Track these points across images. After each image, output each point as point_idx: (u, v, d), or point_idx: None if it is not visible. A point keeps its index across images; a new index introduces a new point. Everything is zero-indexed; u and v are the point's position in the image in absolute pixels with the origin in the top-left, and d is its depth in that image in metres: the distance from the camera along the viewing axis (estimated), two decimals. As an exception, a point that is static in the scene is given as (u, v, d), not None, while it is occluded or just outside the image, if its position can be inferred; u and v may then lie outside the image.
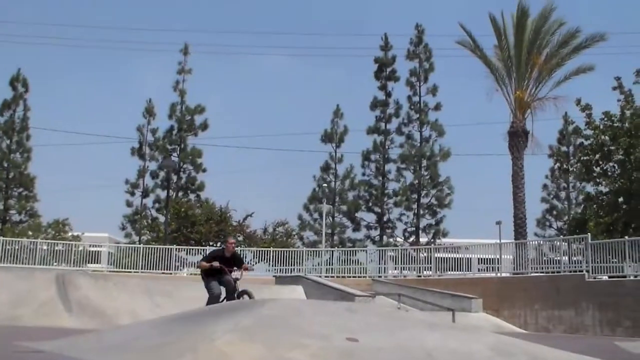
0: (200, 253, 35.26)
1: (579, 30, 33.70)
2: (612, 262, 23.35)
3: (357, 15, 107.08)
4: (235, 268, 12.78)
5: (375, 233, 43.82)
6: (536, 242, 31.65)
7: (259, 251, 34.66)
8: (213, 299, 12.43)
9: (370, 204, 44.06)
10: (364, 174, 44.65)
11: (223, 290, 12.77)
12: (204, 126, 45.53)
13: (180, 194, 44.52)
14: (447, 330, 9.57)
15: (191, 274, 33.66)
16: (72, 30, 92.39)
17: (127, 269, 31.44)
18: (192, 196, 44.61)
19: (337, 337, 7.84)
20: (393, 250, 34.14)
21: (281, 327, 7.91)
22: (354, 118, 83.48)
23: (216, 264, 12.29)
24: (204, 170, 45.17)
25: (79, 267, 31.28)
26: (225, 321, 8.08)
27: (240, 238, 41.33)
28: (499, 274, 27.98)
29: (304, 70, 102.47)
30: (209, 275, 12.63)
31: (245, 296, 12.30)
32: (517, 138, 33.85)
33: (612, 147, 30.59)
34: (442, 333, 8.92)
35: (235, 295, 12.33)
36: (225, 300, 12.36)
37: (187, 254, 35.30)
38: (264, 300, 9.48)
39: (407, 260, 31.74)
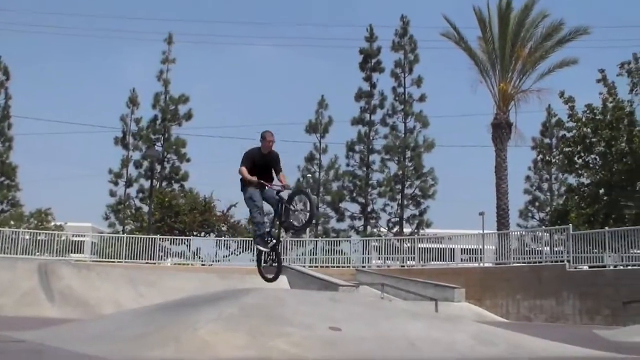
0: (184, 243, 35.30)
1: (563, 23, 33.91)
2: (593, 253, 23.62)
3: (344, 5, 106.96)
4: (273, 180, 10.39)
5: (359, 223, 43.94)
6: (518, 233, 31.89)
7: (243, 241, 34.66)
8: (255, 210, 10.29)
9: (355, 195, 44.14)
10: (348, 165, 44.70)
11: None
12: (188, 116, 45.32)
13: (164, 183, 44.34)
14: (430, 320, 9.67)
15: (175, 264, 33.66)
16: (55, 17, 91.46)
17: (111, 258, 31.33)
18: (176, 186, 44.42)
19: (320, 327, 7.89)
20: (377, 240, 34.26)
21: (264, 316, 7.95)
22: (339, 109, 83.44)
23: (251, 178, 10.03)
24: (188, 160, 45.04)
25: (62, 257, 31.12)
26: (208, 311, 8.10)
27: (224, 228, 41.30)
28: (481, 264, 28.20)
29: (290, 61, 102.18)
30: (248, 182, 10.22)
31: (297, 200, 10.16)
32: (501, 130, 34.02)
33: (594, 139, 30.84)
34: (425, 323, 9.02)
35: (281, 208, 10.15)
36: (273, 218, 10.46)
37: (170, 243, 35.25)
38: (248, 289, 9.51)
39: (391, 250, 31.86)
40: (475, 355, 8.04)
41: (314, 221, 10.65)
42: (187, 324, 7.72)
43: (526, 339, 9.25)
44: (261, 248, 10.47)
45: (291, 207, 10.05)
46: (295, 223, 10.03)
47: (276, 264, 10.60)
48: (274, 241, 10.45)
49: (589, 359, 8.65)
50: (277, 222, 10.39)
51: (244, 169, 10.11)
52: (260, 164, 10.21)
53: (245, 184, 10.19)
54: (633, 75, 30.97)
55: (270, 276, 10.66)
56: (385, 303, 10.84)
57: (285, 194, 10.27)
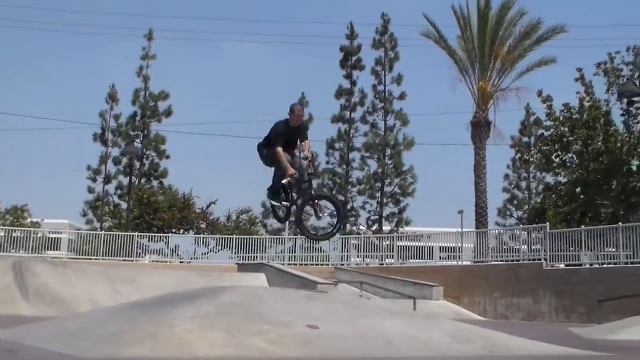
0: (163, 240, 35.10)
1: (541, 22, 34.24)
2: (570, 251, 23.83)
3: (325, 3, 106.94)
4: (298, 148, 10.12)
5: (338, 221, 43.92)
6: (497, 231, 32.11)
7: (222, 238, 34.57)
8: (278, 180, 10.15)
9: (334, 192, 44.17)
10: (328, 162, 44.72)
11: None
12: (168, 112, 45.06)
13: (143, 180, 44.08)
14: (408, 318, 9.69)
15: (153, 261, 33.49)
16: (32, 12, 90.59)
17: (88, 256, 31.09)
18: (155, 183, 44.16)
19: (297, 325, 7.87)
20: (356, 238, 34.33)
21: (242, 314, 7.92)
22: (319, 106, 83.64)
23: (293, 172, 9.70)
24: (168, 157, 44.75)
25: (38, 254, 30.83)
26: (185, 308, 8.05)
27: (203, 225, 41.15)
28: (460, 263, 28.35)
29: (271, 58, 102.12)
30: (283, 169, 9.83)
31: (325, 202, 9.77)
32: (480, 128, 34.24)
33: (571, 138, 31.09)
34: (402, 321, 9.03)
35: (313, 195, 9.82)
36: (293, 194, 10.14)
37: (149, 241, 35.06)
38: (225, 287, 9.48)
39: (370, 248, 31.95)
40: (452, 353, 8.07)
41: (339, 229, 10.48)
42: (164, 321, 7.67)
43: (503, 337, 9.29)
44: (272, 202, 10.69)
45: (316, 207, 9.82)
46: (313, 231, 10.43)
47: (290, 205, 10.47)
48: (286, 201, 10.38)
49: (564, 357, 8.71)
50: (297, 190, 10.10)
51: (280, 152, 9.70)
52: (288, 137, 9.90)
53: (275, 161, 9.88)
54: (609, 75, 31.30)
55: (281, 214, 10.75)
56: (363, 301, 10.86)
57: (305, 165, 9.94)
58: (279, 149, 9.66)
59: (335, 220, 9.59)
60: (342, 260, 31.74)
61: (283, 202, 10.19)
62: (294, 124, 9.87)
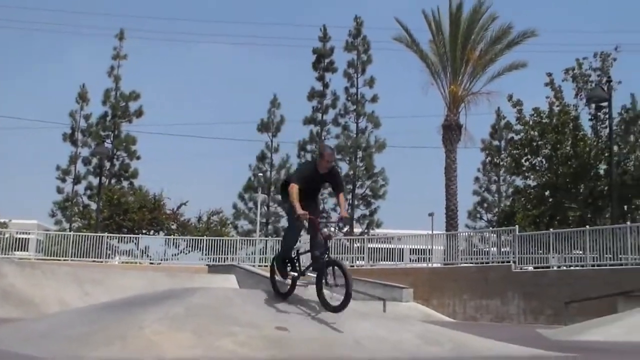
0: (133, 241, 34.85)
1: (512, 27, 34.62)
2: (538, 254, 24.10)
3: (299, 5, 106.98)
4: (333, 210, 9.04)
5: (309, 223, 44.04)
6: (467, 234, 32.35)
7: (192, 240, 34.42)
8: (293, 232, 9.04)
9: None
10: (299, 164, 44.74)
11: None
12: (139, 113, 44.79)
13: (113, 181, 43.75)
14: (377, 320, 9.76)
15: (123, 262, 33.22)
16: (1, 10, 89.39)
17: (57, 256, 30.74)
18: (125, 183, 43.87)
19: (267, 327, 7.91)
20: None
21: (211, 316, 7.93)
22: (291, 108, 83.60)
23: (303, 213, 8.29)
24: (138, 158, 44.48)
25: (5, 254, 30.42)
26: (155, 310, 8.04)
27: (174, 226, 40.94)
28: (430, 265, 28.52)
29: (244, 59, 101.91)
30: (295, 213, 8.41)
31: (336, 269, 8.31)
32: (451, 131, 34.52)
33: (540, 142, 31.48)
34: (372, 322, 9.10)
35: (324, 262, 8.41)
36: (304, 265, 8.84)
37: (119, 242, 34.79)
38: (195, 289, 9.47)
39: (341, 250, 31.98)
40: (421, 355, 8.16)
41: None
42: (133, 323, 7.65)
43: (471, 338, 9.40)
44: (276, 275, 9.13)
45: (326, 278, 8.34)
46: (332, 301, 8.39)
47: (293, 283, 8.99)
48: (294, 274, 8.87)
49: (530, 358, 8.84)
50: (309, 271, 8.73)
51: (295, 189, 8.38)
52: (313, 184, 8.67)
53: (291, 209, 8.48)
54: (577, 81, 31.75)
55: (282, 290, 9.08)
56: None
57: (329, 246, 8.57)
58: (295, 187, 8.40)
59: (343, 289, 8.09)
60: (313, 263, 31.66)
61: (290, 273, 8.82)
62: (323, 170, 8.62)
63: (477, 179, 49.34)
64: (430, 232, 35.00)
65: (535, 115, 32.02)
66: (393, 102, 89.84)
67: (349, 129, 44.32)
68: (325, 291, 8.35)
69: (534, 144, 31.61)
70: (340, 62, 45.05)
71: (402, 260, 30.63)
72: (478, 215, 48.54)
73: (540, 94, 30.90)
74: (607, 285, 19.68)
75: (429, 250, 28.75)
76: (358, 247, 31.35)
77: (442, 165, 34.61)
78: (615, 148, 29.03)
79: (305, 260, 8.98)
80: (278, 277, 9.08)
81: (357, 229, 42.91)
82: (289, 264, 8.97)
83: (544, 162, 31.89)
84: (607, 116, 30.20)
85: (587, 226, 24.67)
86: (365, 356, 7.73)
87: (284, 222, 44.83)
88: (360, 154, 43.70)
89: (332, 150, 8.89)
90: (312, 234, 8.71)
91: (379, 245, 31.70)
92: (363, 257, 30.15)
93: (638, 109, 31.63)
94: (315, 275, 8.55)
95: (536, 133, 31.51)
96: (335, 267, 8.30)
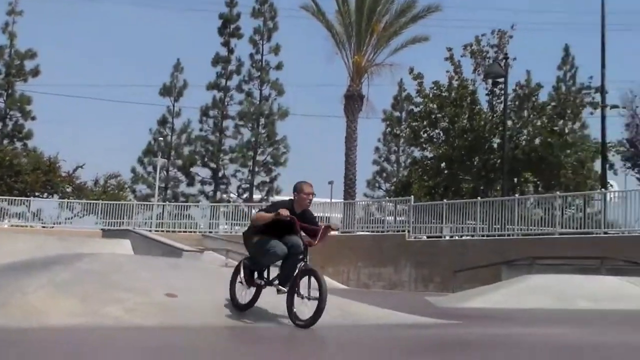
0: (24, 204, 33.60)
1: (416, 0, 35.15)
2: (432, 223, 24.84)
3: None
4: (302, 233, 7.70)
5: (209, 188, 43.87)
6: (365, 203, 32.94)
7: (88, 203, 33.56)
8: (268, 257, 7.76)
9: (206, 160, 43.90)
10: (201, 130, 44.35)
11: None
12: (35, 72, 42.96)
13: (5, 141, 41.95)
14: (270, 287, 9.88)
15: (13, 226, 32.04)
16: None
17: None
18: (18, 144, 42.17)
19: (156, 293, 7.88)
20: (225, 206, 34.28)
21: (99, 282, 7.84)
22: (195, 73, 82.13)
23: (285, 212, 7.39)
24: (33, 118, 42.74)
25: None
26: (40, 275, 7.88)
27: (69, 189, 39.76)
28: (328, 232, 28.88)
29: (147, 21, 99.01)
30: (264, 232, 7.67)
31: (311, 279, 7.53)
32: (353, 101, 34.93)
33: (439, 115, 32.24)
34: (264, 290, 9.21)
35: (299, 270, 7.55)
36: (284, 267, 7.80)
37: (9, 204, 33.49)
38: (83, 254, 9.30)
39: (240, 216, 32.00)
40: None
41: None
42: (17, 288, 7.48)
43: (359, 306, 9.66)
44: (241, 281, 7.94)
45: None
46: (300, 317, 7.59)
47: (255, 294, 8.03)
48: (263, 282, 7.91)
49: (414, 325, 9.16)
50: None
51: (263, 215, 7.65)
52: (288, 224, 7.56)
53: (259, 230, 7.69)
54: (476, 57, 32.56)
55: (242, 302, 7.99)
56: (223, 270, 10.92)
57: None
58: (263, 213, 7.73)
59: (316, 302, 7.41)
60: (210, 228, 31.57)
61: (257, 280, 7.86)
62: (300, 209, 7.73)
63: (377, 149, 50.32)
64: (329, 200, 35.43)
65: (435, 88, 32.71)
66: (298, 70, 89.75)
67: (252, 95, 44.17)
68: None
69: (433, 116, 32.32)
70: (246, 29, 44.71)
71: (301, 228, 30.87)
72: (377, 185, 49.57)
73: (442, 68, 31.77)
74: (494, 254, 20.59)
75: (327, 218, 29.12)
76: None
77: (344, 135, 35.05)
78: (509, 123, 30.11)
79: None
80: (241, 283, 7.91)
81: (257, 196, 43.03)
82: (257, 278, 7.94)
83: (442, 135, 32.67)
84: (502, 92, 31.27)
85: (479, 198, 25.64)
86: (249, 325, 7.85)
87: (183, 187, 44.47)
88: (262, 121, 43.65)
89: (311, 185, 7.84)
90: (292, 240, 7.67)
91: (279, 212, 31.73)
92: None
93: (532, 86, 32.82)
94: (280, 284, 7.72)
95: (435, 106, 32.22)
96: (312, 278, 7.49)
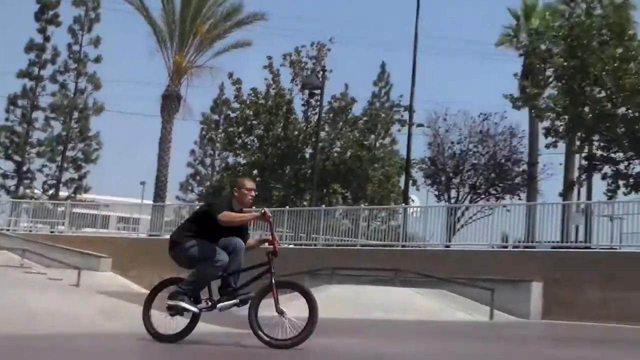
0: None
1: (243, 6, 35.55)
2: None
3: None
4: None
5: (11, 183, 41.37)
6: (176, 205, 32.61)
7: None
8: (214, 269, 6.94)
9: (10, 152, 41.36)
10: (7, 120, 41.72)
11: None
12: None
13: None
14: (59, 293, 9.62)
15: None
16: None
17: None
18: None
19: None
20: (28, 202, 32.52)
21: None
22: (3, 59, 77.19)
23: (264, 211, 6.90)
24: None
25: None
26: None
27: None
28: (137, 235, 28.33)
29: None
30: (199, 234, 7.05)
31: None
32: (171, 102, 34.57)
33: (255, 122, 32.72)
34: (53, 295, 8.96)
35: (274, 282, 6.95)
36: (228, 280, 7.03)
37: None
38: None
39: (44, 214, 30.49)
40: (96, 329, 8.19)
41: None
42: None
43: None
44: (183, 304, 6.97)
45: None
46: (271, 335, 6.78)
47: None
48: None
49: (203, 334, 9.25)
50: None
51: (233, 215, 6.89)
52: (222, 227, 6.92)
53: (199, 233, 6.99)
54: (294, 67, 33.40)
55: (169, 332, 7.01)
56: (17, 272, 10.47)
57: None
58: (232, 213, 6.94)
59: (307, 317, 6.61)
60: (9, 225, 29.71)
61: (193, 308, 6.98)
62: (240, 207, 7.11)
63: (192, 152, 50.10)
64: (139, 201, 34.71)
65: (252, 95, 33.14)
66: (118, 65, 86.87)
67: (67, 87, 42.24)
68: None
69: (249, 123, 32.75)
70: (66, 17, 42.64)
71: (108, 228, 30.01)
72: (189, 188, 49.26)
73: (263, 76, 32.24)
74: (299, 263, 21.07)
75: (137, 219, 28.55)
76: (62, 211, 30.07)
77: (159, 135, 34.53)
78: (323, 134, 31.13)
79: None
80: (184, 304, 6.90)
81: (64, 193, 41.20)
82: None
83: (256, 142, 33.16)
84: (318, 103, 32.27)
85: (288, 206, 26.27)
86: (34, 332, 7.59)
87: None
88: (76, 115, 41.96)
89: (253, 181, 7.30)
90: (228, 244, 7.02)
91: (85, 211, 30.65)
92: (64, 223, 28.93)
93: (348, 99, 34.08)
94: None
95: (251, 112, 32.67)
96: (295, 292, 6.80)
